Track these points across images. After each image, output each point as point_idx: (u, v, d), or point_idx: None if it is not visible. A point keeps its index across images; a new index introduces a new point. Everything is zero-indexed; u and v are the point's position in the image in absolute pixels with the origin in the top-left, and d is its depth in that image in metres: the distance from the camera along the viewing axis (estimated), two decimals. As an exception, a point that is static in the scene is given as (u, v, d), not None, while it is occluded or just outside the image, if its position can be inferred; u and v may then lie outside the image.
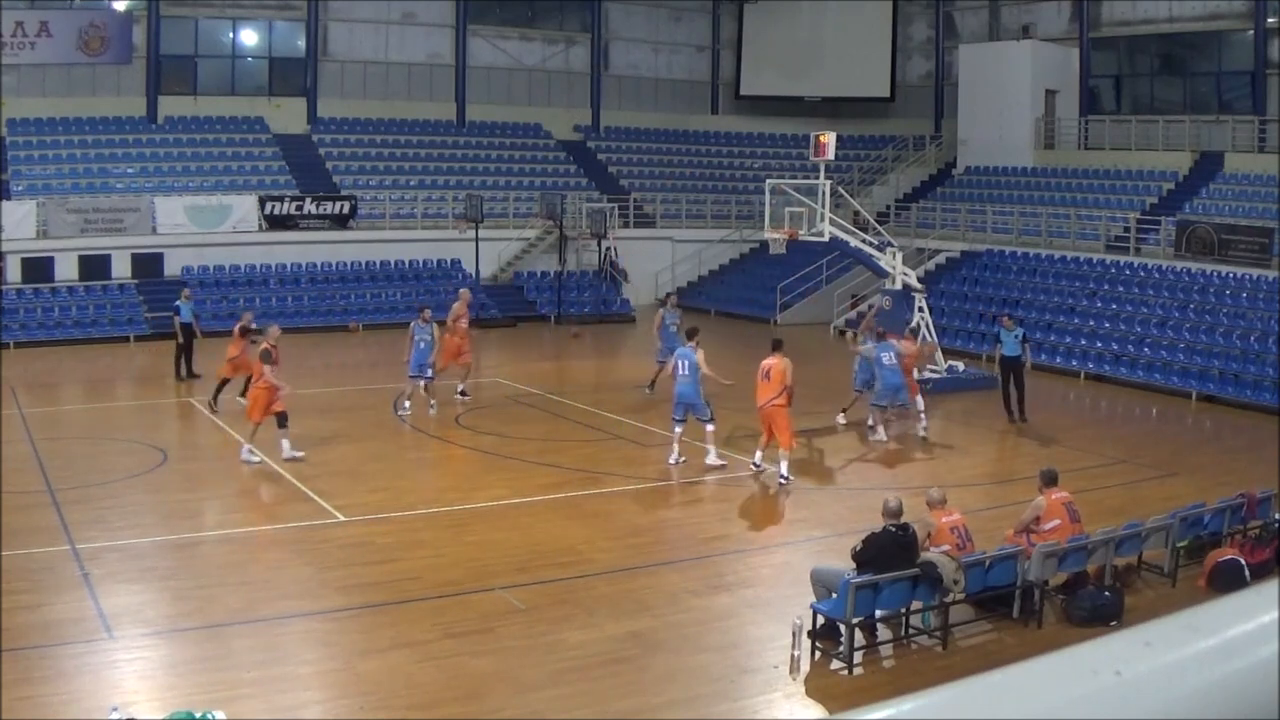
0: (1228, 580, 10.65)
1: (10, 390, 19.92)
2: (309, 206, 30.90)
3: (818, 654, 9.26)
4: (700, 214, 36.15)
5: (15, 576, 10.48)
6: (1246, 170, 28.29)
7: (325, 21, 35.20)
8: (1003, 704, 1.50)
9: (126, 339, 26.68)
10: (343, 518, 12.98)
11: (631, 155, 38.39)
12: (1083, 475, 14.55)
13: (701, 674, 9.03)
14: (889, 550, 9.46)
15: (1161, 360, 22.52)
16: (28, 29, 30.71)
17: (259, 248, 30.02)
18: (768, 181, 23.12)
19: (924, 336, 21.04)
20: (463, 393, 19.59)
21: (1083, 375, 23.37)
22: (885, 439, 17.35)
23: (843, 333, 27.63)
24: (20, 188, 29.25)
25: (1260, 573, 10.62)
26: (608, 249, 32.24)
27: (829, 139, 21.16)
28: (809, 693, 8.74)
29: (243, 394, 18.23)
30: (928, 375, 21.09)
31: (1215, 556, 11.15)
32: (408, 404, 18.81)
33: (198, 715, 7.42)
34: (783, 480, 14.36)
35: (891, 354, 17.23)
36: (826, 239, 21.49)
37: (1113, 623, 9.77)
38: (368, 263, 31.20)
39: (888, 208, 34.49)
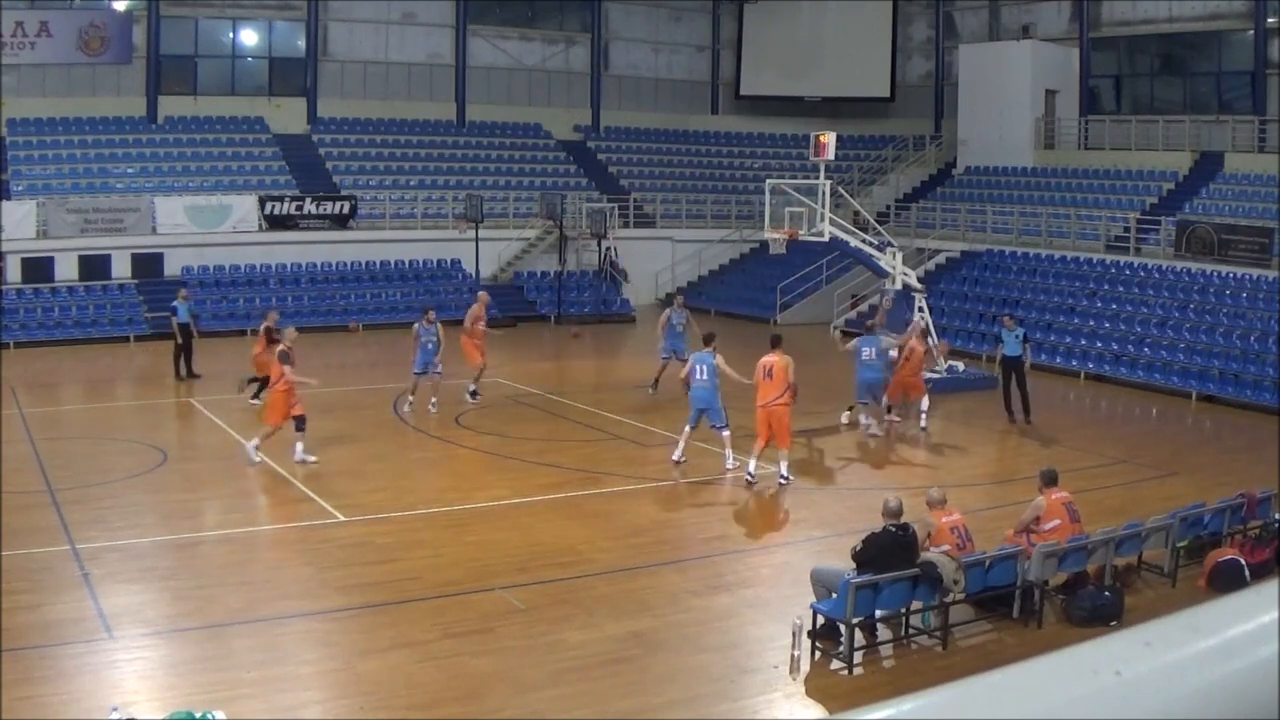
0: (1228, 580, 10.65)
1: (10, 390, 19.92)
2: (309, 206, 30.90)
3: (818, 654, 9.25)
4: (700, 214, 36.16)
5: (15, 576, 10.48)
6: (1246, 170, 28.29)
7: (325, 21, 35.20)
8: (1003, 704, 1.50)
9: (126, 339, 26.68)
10: (343, 518, 12.98)
11: (631, 155, 38.40)
12: (1083, 475, 14.55)
13: (701, 674, 9.03)
14: (889, 550, 9.46)
15: (1161, 360, 22.52)
16: (28, 29, 30.71)
17: (259, 248, 30.02)
18: (768, 181, 23.12)
19: (931, 337, 21.09)
20: (474, 393, 19.49)
21: (1083, 375, 23.37)
22: (876, 431, 17.42)
23: (846, 334, 27.64)
24: (20, 188, 29.26)
25: (1260, 573, 10.62)
26: (608, 249, 32.24)
27: (829, 139, 21.16)
28: (809, 693, 8.74)
29: (256, 395, 18.57)
30: (928, 375, 21.10)
31: (1215, 556, 11.15)
32: (411, 399, 18.86)
33: (198, 715, 7.41)
34: (783, 480, 14.34)
35: (873, 350, 17.26)
36: (826, 239, 21.49)
37: (1113, 623, 9.77)
38: (368, 263, 31.20)
39: (888, 208, 34.49)
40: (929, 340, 20.30)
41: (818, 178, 21.52)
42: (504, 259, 32.66)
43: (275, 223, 30.40)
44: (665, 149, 38.97)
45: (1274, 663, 1.57)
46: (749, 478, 14.45)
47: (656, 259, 34.52)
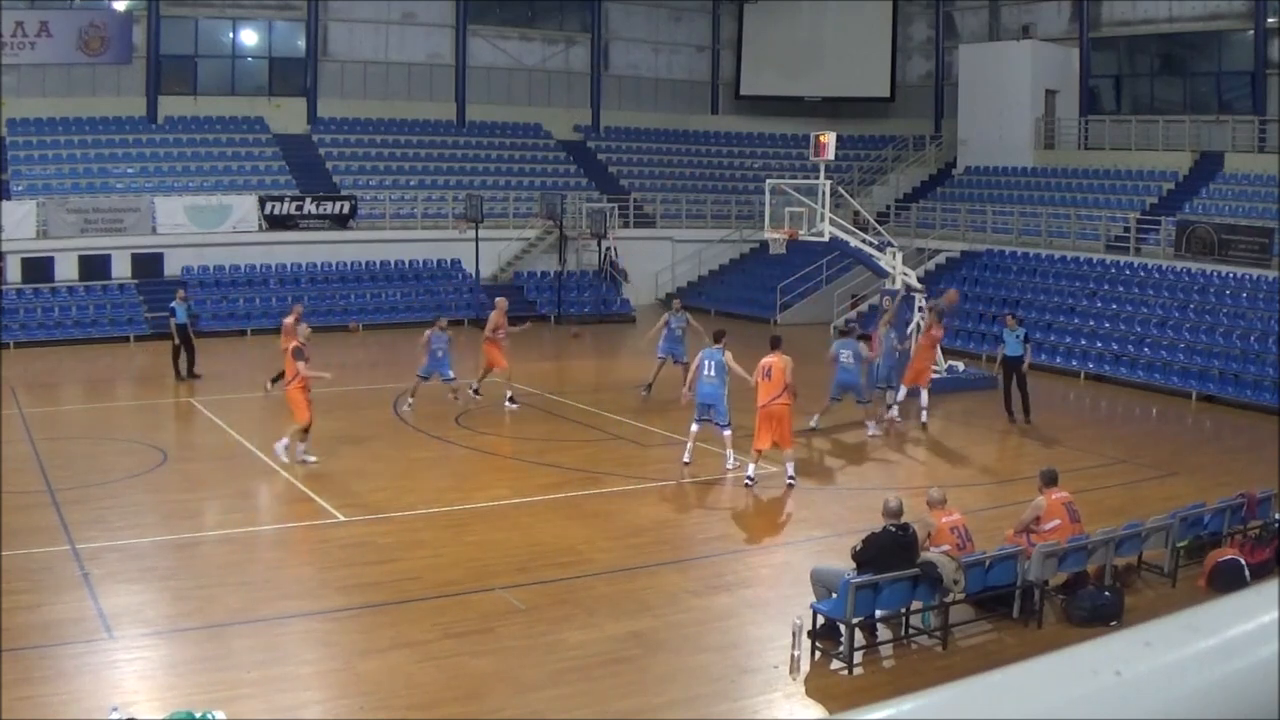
0: (1228, 580, 10.65)
1: (10, 390, 19.92)
2: (309, 206, 30.90)
3: (818, 654, 9.26)
4: (700, 214, 36.16)
5: (15, 576, 10.48)
6: (1246, 170, 28.29)
7: (325, 21, 35.20)
8: (1003, 704, 1.50)
9: (126, 339, 26.68)
10: (343, 518, 12.98)
11: (631, 155, 38.40)
12: (1083, 475, 14.55)
13: (701, 674, 9.03)
14: (889, 550, 9.46)
15: (1161, 360, 22.52)
16: (28, 29, 30.71)
17: (259, 248, 30.02)
18: (768, 181, 23.13)
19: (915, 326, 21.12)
20: (511, 398, 19.31)
21: (1083, 375, 23.37)
22: (875, 431, 17.52)
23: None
24: (20, 188, 29.25)
25: (1260, 573, 10.62)
26: (608, 249, 32.24)
27: (829, 139, 21.17)
28: (809, 693, 8.74)
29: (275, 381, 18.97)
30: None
31: (1215, 556, 11.15)
32: (411, 400, 18.92)
33: (198, 715, 7.42)
34: (791, 482, 14.26)
35: (850, 352, 17.27)
36: (826, 239, 21.49)
37: (1113, 623, 9.77)
38: (368, 263, 31.20)
39: (888, 208, 34.49)
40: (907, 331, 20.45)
41: (818, 178, 21.53)
42: (504, 259, 32.66)
43: (275, 223, 30.40)
44: (665, 149, 38.97)
45: (1274, 663, 1.57)
46: (748, 480, 14.40)
47: (656, 259, 34.52)
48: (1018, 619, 10.01)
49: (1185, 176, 29.93)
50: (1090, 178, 31.58)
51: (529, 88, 38.24)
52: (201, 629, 9.64)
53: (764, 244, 26.41)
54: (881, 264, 22.09)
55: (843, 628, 9.15)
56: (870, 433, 17.56)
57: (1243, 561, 10.99)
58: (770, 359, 14.36)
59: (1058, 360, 23.74)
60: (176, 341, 21.62)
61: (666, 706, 8.46)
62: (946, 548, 9.89)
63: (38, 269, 27.64)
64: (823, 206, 21.01)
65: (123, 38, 32.18)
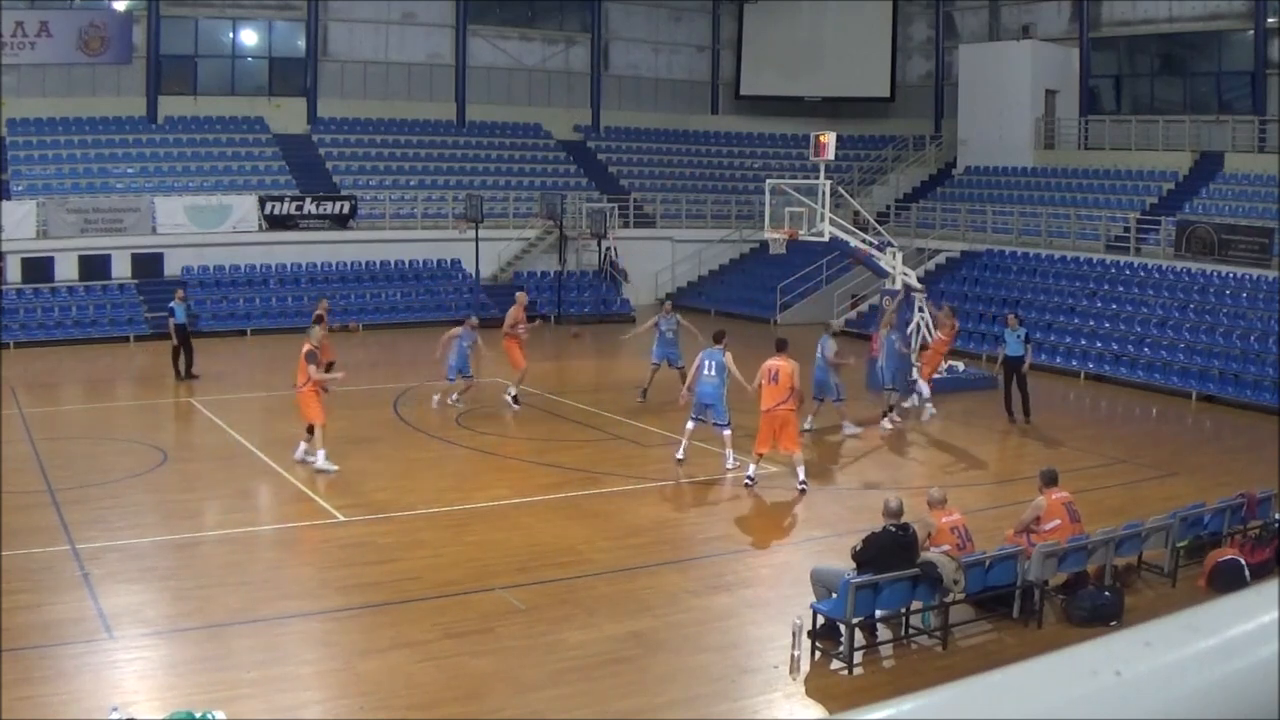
0: (1228, 580, 10.65)
1: (10, 390, 19.92)
2: (309, 206, 30.90)
3: (818, 654, 9.25)
4: (700, 214, 36.15)
5: (15, 576, 10.48)
6: (1246, 170, 28.29)
7: (325, 21, 35.20)
8: (1003, 704, 1.50)
9: (126, 339, 26.69)
10: (343, 518, 12.98)
11: (631, 155, 38.40)
12: (1083, 475, 14.56)
13: (701, 674, 9.03)
14: (889, 550, 9.46)
15: (1161, 360, 22.52)
16: (28, 29, 30.71)
17: (259, 248, 30.02)
18: (768, 181, 23.11)
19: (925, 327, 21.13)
20: (515, 399, 19.16)
21: (1083, 375, 23.37)
22: (852, 431, 17.55)
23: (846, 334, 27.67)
24: (20, 188, 29.26)
25: (1260, 573, 10.63)
26: (608, 249, 32.24)
27: (829, 139, 21.15)
28: (809, 693, 8.74)
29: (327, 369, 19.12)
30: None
31: (1215, 556, 11.15)
32: (455, 397, 18.98)
33: (198, 715, 7.42)
34: (802, 487, 14.17)
35: (820, 350, 17.29)
36: (826, 239, 21.48)
37: (1113, 623, 9.77)
38: (368, 263, 31.20)
39: (888, 208, 34.49)
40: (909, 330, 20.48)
41: (818, 178, 21.52)
42: (504, 259, 32.66)
43: (275, 223, 30.40)
44: (665, 149, 38.97)
45: (1274, 663, 1.57)
46: (748, 481, 14.38)
47: (656, 259, 34.51)
48: (1018, 619, 10.01)
49: (1185, 176, 29.93)
50: (1090, 178, 31.58)
51: (529, 88, 38.24)
52: (201, 629, 9.64)
53: (764, 244, 26.40)
54: (881, 264, 22.08)
55: (843, 628, 9.15)
56: (846, 432, 17.52)
57: (1243, 561, 10.99)
58: (777, 362, 14.22)
59: (1058, 360, 23.73)
60: (176, 342, 21.62)
61: (666, 706, 8.46)
62: (946, 548, 9.89)
63: (38, 269, 27.64)
64: (823, 206, 21.01)
65: (123, 38, 32.18)
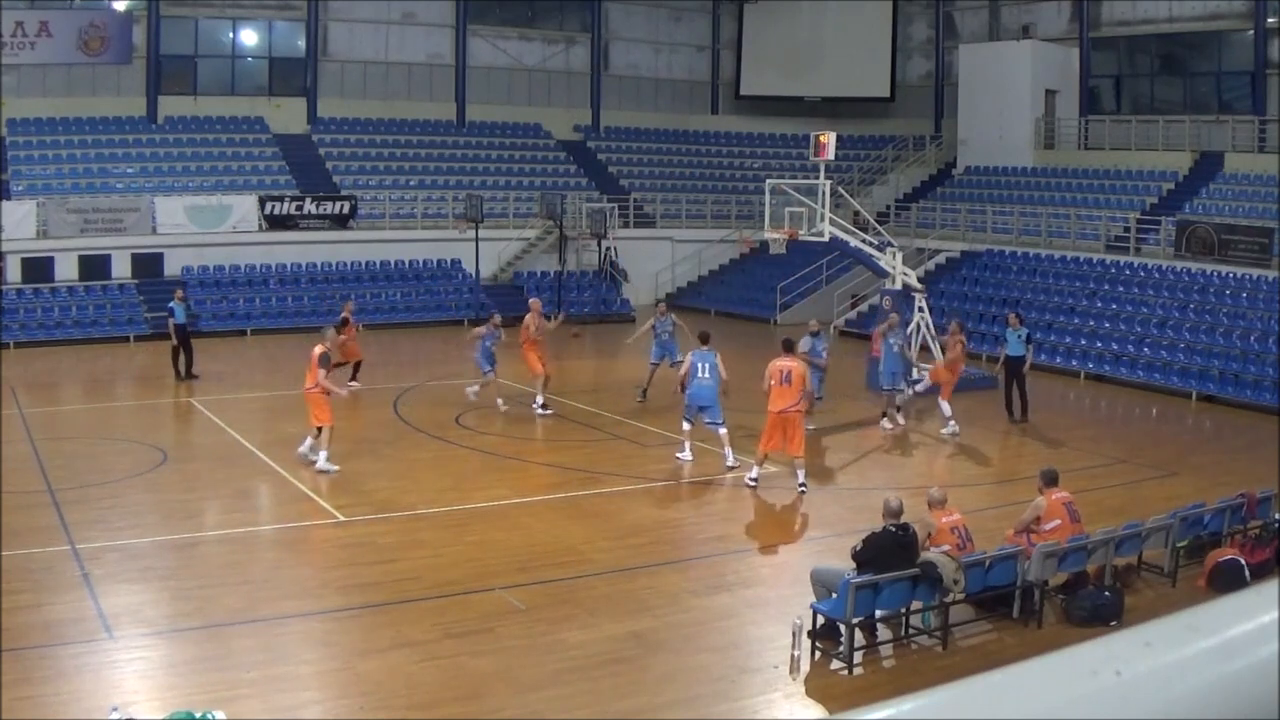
0: (1228, 580, 10.65)
1: (10, 390, 19.92)
2: (309, 206, 30.90)
3: (818, 654, 9.25)
4: (700, 214, 36.15)
5: (15, 576, 10.48)
6: (1246, 170, 28.29)
7: (325, 21, 35.20)
8: (1003, 704, 1.50)
9: (126, 339, 26.68)
10: (343, 518, 12.98)
11: (631, 155, 38.40)
12: (1083, 475, 14.56)
13: (701, 674, 9.03)
14: (889, 550, 9.46)
15: (1161, 360, 22.52)
16: (28, 29, 30.71)
17: (259, 248, 30.02)
18: (768, 181, 23.11)
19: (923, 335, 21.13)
20: (544, 405, 18.90)
21: (1083, 375, 23.37)
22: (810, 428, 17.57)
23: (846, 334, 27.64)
24: (20, 188, 29.26)
25: (1260, 573, 10.63)
26: (608, 249, 32.24)
27: (829, 139, 21.14)
28: (809, 693, 8.74)
29: (354, 377, 20.15)
30: (927, 375, 21.09)
31: (1215, 556, 11.15)
32: (475, 389, 19.06)
33: (198, 715, 7.42)
34: (803, 489, 14.18)
35: (809, 354, 17.29)
36: (826, 239, 21.48)
37: (1113, 623, 9.77)
38: (368, 263, 31.21)
39: (888, 208, 34.49)
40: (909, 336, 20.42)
41: (818, 178, 21.51)
42: (504, 259, 32.66)
43: (275, 223, 30.40)
44: (665, 149, 38.97)
45: (1274, 663, 1.57)
46: (752, 482, 14.29)
47: (656, 259, 34.52)
48: (1018, 619, 10.01)
49: (1185, 176, 29.93)
50: (1090, 178, 31.58)
51: (529, 88, 38.24)
52: (201, 629, 9.63)
53: (764, 244, 26.38)
54: (881, 264, 22.08)
55: (843, 628, 9.15)
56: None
57: (1243, 561, 10.99)
58: (788, 363, 14.09)
59: (1058, 360, 23.73)
60: (176, 342, 21.61)
61: (666, 706, 8.46)
62: (947, 548, 9.89)
63: (38, 269, 27.64)
64: (823, 206, 21.00)
65: (123, 38, 32.18)
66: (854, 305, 29.78)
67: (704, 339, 15.78)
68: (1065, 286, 26.73)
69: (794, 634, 8.90)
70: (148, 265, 28.79)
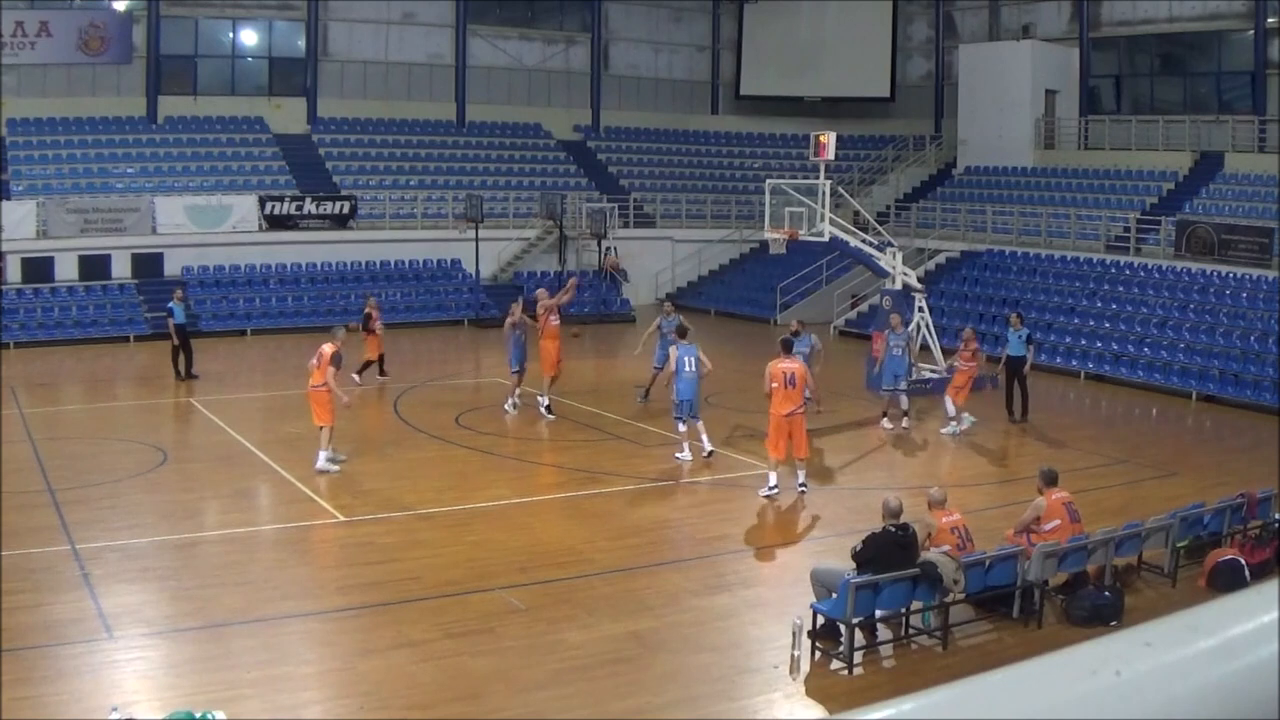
0: (1228, 580, 10.65)
1: (10, 390, 19.92)
2: (309, 206, 30.90)
3: (818, 654, 9.25)
4: (700, 214, 36.16)
5: (15, 576, 10.48)
6: (1246, 170, 28.29)
7: (325, 21, 35.21)
8: (1003, 704, 1.50)
9: (126, 339, 26.69)
10: (343, 518, 12.99)
11: (631, 155, 38.40)
12: (1083, 475, 14.56)
13: (701, 674, 9.03)
14: (889, 550, 9.46)
15: (1161, 360, 22.52)
16: (28, 29, 30.71)
17: (259, 248, 30.02)
18: (768, 181, 23.10)
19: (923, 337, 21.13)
20: (548, 408, 18.55)
21: (1083, 375, 23.37)
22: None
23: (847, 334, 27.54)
24: (20, 188, 29.26)
25: (1260, 573, 10.63)
26: (608, 249, 32.24)
27: (829, 139, 21.13)
28: (809, 693, 8.74)
29: (381, 372, 20.78)
30: (927, 375, 21.12)
31: (1215, 556, 11.14)
32: (517, 400, 18.81)
33: (198, 715, 7.42)
34: (802, 488, 14.19)
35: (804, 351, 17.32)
36: (826, 239, 21.48)
37: (1113, 623, 9.77)
38: (368, 263, 31.21)
39: (888, 208, 34.48)
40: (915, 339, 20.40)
41: (818, 178, 21.51)
42: (504, 259, 32.66)
43: (275, 223, 30.41)
44: (665, 149, 38.97)
45: (1274, 663, 1.57)
46: (771, 491, 13.94)
47: (656, 259, 34.52)
48: (1018, 619, 10.01)
49: (1185, 176, 29.94)
50: (1090, 178, 31.59)
51: (529, 88, 38.25)
52: (201, 629, 9.64)
53: (764, 244, 26.39)
54: (881, 264, 22.08)
55: (843, 628, 9.15)
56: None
57: (1243, 561, 10.99)
58: (790, 364, 13.98)
59: (1058, 360, 23.72)
60: (176, 342, 21.61)
61: (666, 706, 8.46)
62: (947, 548, 9.89)
63: (38, 269, 27.65)
64: (823, 206, 21.00)
65: (123, 38, 32.18)
66: (854, 305, 29.77)
67: (683, 333, 16.07)
68: (1065, 286, 26.73)
69: (794, 634, 8.89)
70: (148, 265, 28.80)
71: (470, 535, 12.47)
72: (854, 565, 9.47)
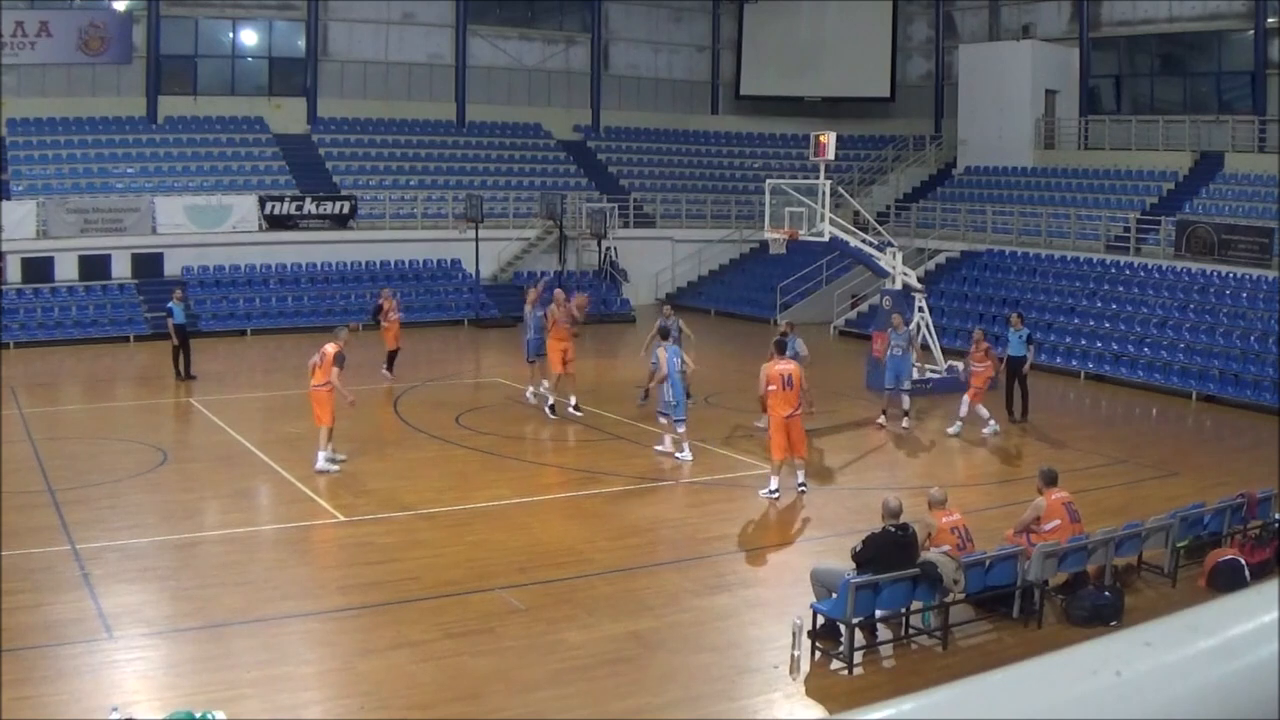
0: (1228, 580, 10.65)
1: (10, 390, 19.92)
2: (309, 206, 30.90)
3: (818, 654, 9.25)
4: (700, 214, 36.16)
5: (15, 576, 10.48)
6: (1246, 170, 28.30)
7: (325, 21, 35.21)
8: (1003, 704, 1.50)
9: (126, 339, 26.69)
10: (343, 518, 12.99)
11: (631, 155, 38.40)
12: (1083, 475, 14.56)
13: (701, 674, 9.03)
14: (889, 550, 9.45)
15: (1161, 360, 22.52)
16: (28, 29, 30.71)
17: (259, 248, 30.03)
18: (768, 181, 23.10)
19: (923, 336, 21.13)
20: (576, 406, 18.52)
21: (1083, 375, 23.37)
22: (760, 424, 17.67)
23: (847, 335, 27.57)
24: (20, 188, 29.26)
25: (1260, 573, 10.62)
26: (608, 249, 32.23)
27: (829, 139, 21.13)
28: (809, 693, 8.74)
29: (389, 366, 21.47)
30: (928, 375, 21.12)
31: (1215, 556, 11.14)
32: (543, 388, 18.90)
33: (198, 715, 7.41)
34: (801, 488, 14.18)
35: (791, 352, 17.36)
36: (826, 239, 21.48)
37: (1113, 623, 9.77)
38: (368, 263, 31.21)
39: (888, 208, 34.48)
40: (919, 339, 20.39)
41: (818, 178, 21.51)
42: (504, 259, 32.67)
43: (275, 223, 30.41)
44: (665, 149, 38.98)
45: (1274, 663, 1.57)
46: (773, 494, 13.93)
47: (656, 259, 34.52)
48: (1018, 619, 10.01)
49: (1185, 176, 29.94)
50: (1090, 178, 31.59)
51: (529, 88, 38.25)
52: (201, 629, 9.63)
53: (764, 244, 26.39)
54: (881, 264, 22.09)
55: (843, 628, 9.15)
56: (758, 424, 17.68)
57: (1243, 561, 10.99)
58: (787, 366, 13.95)
59: (1058, 360, 23.72)
60: (175, 342, 21.61)
61: (666, 706, 8.46)
62: (947, 548, 9.89)
63: (38, 269, 27.65)
64: (823, 206, 21.00)
65: (123, 38, 32.18)
66: (854, 305, 29.77)
67: (665, 334, 16.24)
68: (1065, 286, 26.73)
69: (794, 634, 8.89)
70: (148, 265, 28.80)
71: (470, 535, 12.47)
72: (854, 565, 9.47)
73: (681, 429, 15.56)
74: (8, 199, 28.27)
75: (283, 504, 13.80)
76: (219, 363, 23.52)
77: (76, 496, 13.52)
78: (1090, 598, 10.16)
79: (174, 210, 29.61)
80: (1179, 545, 11.20)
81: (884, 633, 9.84)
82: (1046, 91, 34.06)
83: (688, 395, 18.89)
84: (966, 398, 17.83)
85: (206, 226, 29.72)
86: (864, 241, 22.87)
